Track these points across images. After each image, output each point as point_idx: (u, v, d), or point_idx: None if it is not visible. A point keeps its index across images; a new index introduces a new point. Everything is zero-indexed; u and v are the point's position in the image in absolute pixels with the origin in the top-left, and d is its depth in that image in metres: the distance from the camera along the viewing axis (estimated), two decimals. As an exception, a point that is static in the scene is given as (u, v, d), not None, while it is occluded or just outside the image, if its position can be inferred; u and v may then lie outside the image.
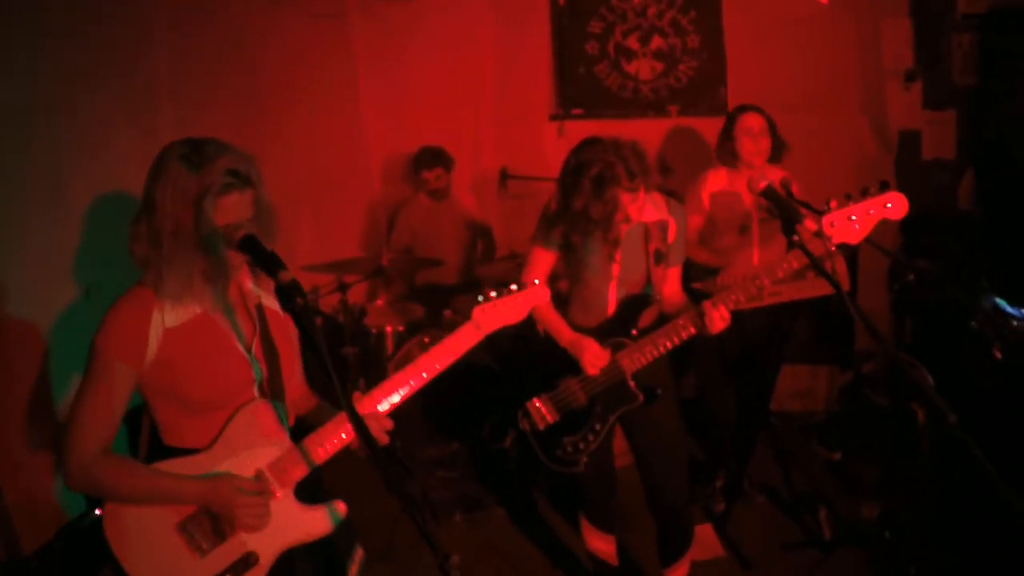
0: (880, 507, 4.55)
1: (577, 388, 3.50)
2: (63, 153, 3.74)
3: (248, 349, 2.42)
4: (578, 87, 6.52)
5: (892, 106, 6.07)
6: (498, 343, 5.60)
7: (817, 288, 4.07)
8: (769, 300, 3.97)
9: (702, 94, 6.39)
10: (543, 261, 3.52)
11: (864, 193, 3.02)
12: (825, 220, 3.02)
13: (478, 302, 2.70)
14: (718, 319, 3.20)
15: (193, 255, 2.23)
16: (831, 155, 5.89)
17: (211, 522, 2.35)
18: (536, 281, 2.82)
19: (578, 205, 3.26)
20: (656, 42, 6.39)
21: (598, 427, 3.52)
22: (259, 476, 2.40)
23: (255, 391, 2.42)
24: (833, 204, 2.98)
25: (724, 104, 6.30)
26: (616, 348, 3.44)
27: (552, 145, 6.53)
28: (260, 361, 2.44)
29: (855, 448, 5.24)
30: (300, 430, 2.51)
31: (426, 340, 5.26)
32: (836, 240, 3.03)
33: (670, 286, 3.57)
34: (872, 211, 2.99)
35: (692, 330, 3.32)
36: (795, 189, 4.58)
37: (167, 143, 2.27)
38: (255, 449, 2.41)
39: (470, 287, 5.90)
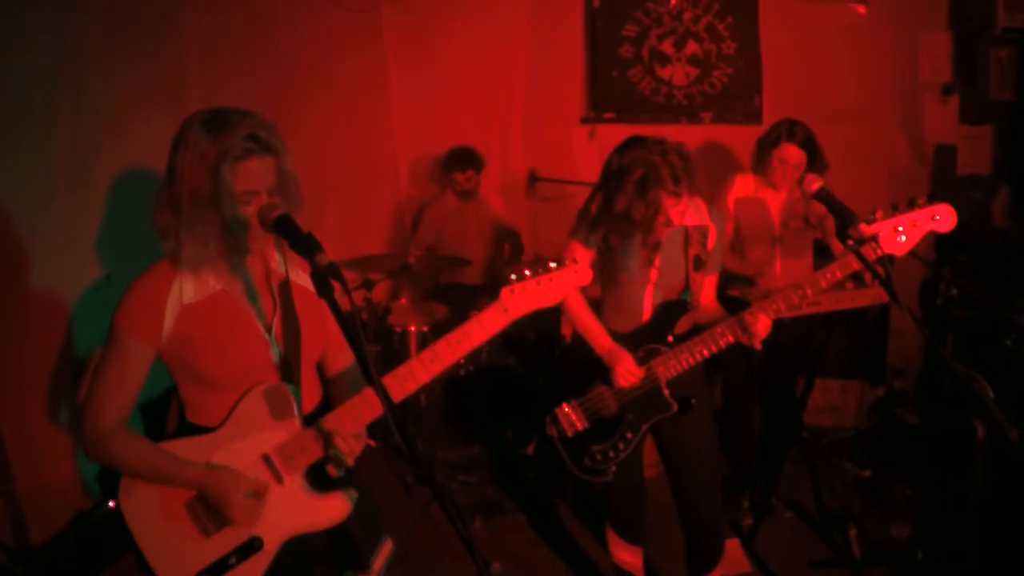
0: (911, 527, 4.44)
1: (608, 395, 3.41)
2: (88, 133, 3.70)
3: (268, 328, 2.37)
4: (610, 91, 6.44)
5: (928, 120, 5.97)
6: (524, 344, 5.57)
7: (856, 299, 3.98)
8: (807, 310, 3.87)
9: (736, 102, 6.29)
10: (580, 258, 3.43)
11: (911, 204, 2.94)
12: (869, 231, 2.95)
13: (509, 281, 2.45)
14: (760, 328, 3.11)
15: (211, 222, 2.20)
16: (865, 168, 5.78)
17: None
18: (576, 260, 2.56)
19: (620, 206, 3.19)
20: (691, 47, 6.30)
21: (629, 436, 3.43)
22: (265, 460, 2.36)
23: (273, 371, 2.38)
24: (879, 214, 2.91)
25: (759, 112, 6.22)
26: (651, 355, 3.36)
27: (582, 148, 6.48)
28: (279, 341, 2.39)
29: (886, 466, 5.11)
30: (325, 410, 2.44)
31: (451, 340, 5.17)
32: (881, 251, 2.95)
33: (706, 294, 3.48)
34: (919, 223, 2.93)
35: (731, 338, 3.23)
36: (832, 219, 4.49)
37: None
38: (264, 432, 2.36)
39: (496, 289, 5.79)
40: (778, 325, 3.23)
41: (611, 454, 3.45)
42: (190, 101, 3.94)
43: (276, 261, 2.43)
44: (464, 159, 5.96)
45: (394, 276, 5.48)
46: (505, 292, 2.43)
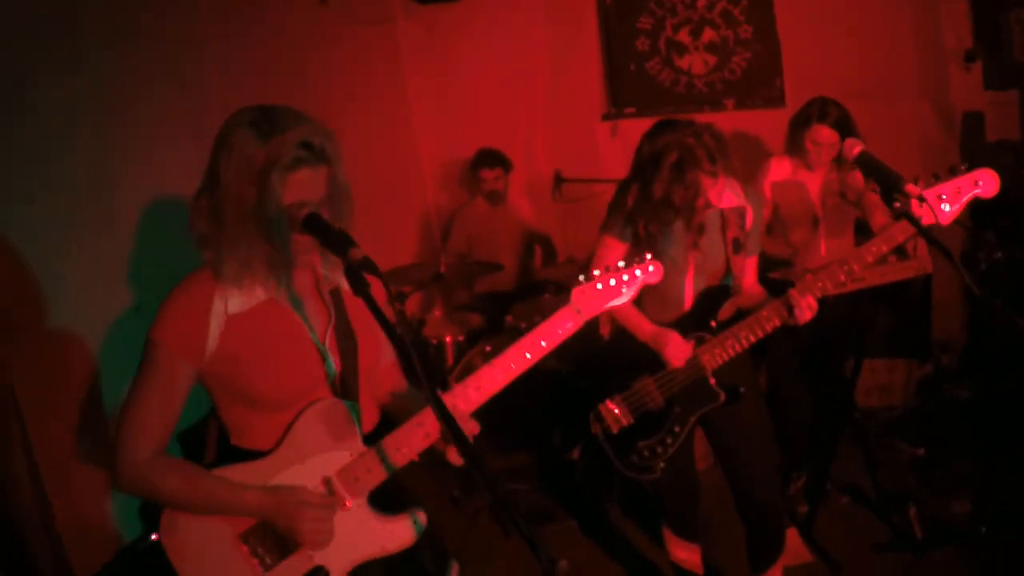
0: (972, 502, 4.34)
1: (653, 388, 3.35)
2: (111, 161, 3.68)
3: (321, 341, 2.21)
4: (630, 85, 6.39)
5: (954, 89, 5.87)
6: (565, 345, 5.49)
7: (900, 271, 3.90)
8: (851, 286, 3.78)
9: (758, 86, 6.21)
10: (614, 252, 3.37)
11: (952, 171, 2.89)
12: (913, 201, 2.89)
13: (578, 282, 2.40)
14: (806, 308, 3.05)
15: (256, 236, 2.02)
16: (895, 141, 5.65)
17: (275, 535, 2.16)
18: (648, 256, 2.55)
19: (658, 192, 3.12)
20: (708, 35, 6.23)
21: (677, 429, 3.37)
22: (327, 484, 2.19)
23: (327, 388, 2.22)
24: (920, 184, 2.84)
25: (781, 95, 6.14)
26: (696, 344, 3.29)
27: (606, 145, 6.45)
28: (334, 354, 2.22)
29: (939, 443, 5.01)
30: (385, 427, 2.31)
31: (487, 349, 5.14)
32: (925, 221, 2.89)
33: (748, 277, 3.41)
34: (962, 189, 2.87)
35: (777, 321, 3.17)
36: (871, 195, 4.40)
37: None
38: (324, 454, 2.19)
39: (530, 292, 5.77)
40: (822, 304, 3.16)
41: (659, 450, 3.38)
42: (213, 124, 3.93)
43: (326, 269, 2.27)
44: (492, 158, 5.94)
45: (426, 287, 5.45)
46: (576, 292, 2.39)
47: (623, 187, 3.34)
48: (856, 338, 4.34)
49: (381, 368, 2.42)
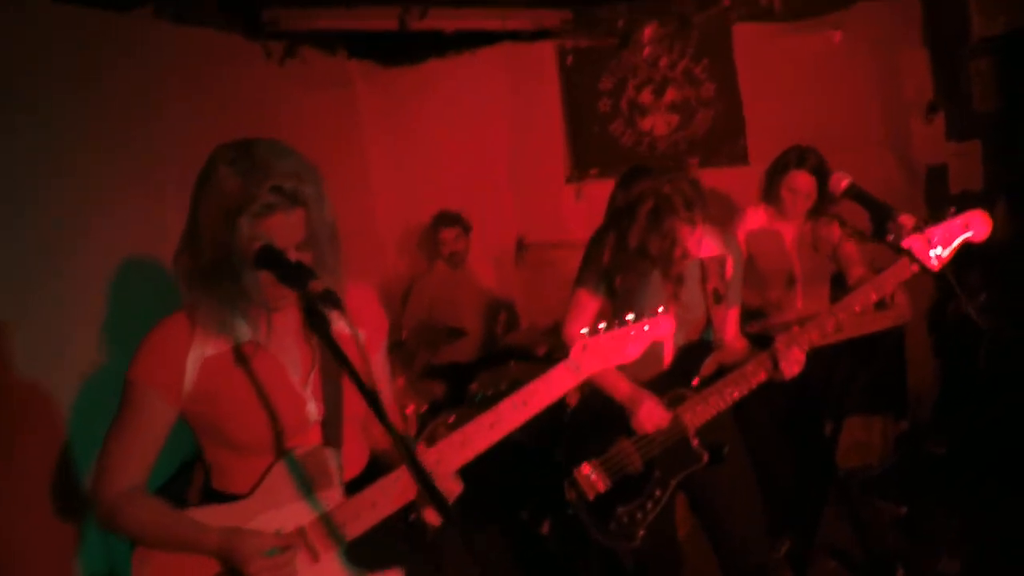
0: (960, 560, 4.19)
1: (632, 450, 3.19)
2: (67, 217, 3.53)
3: (302, 385, 2.15)
4: (593, 147, 6.35)
5: (916, 141, 5.85)
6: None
7: (879, 321, 3.85)
8: (832, 338, 3.68)
9: (722, 144, 6.18)
10: (589, 307, 3.24)
11: (942, 215, 2.83)
12: (904, 244, 2.84)
13: (580, 338, 2.29)
14: (794, 362, 2.93)
15: (234, 274, 1.96)
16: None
17: None
18: (661, 309, 2.43)
19: (634, 242, 3.01)
20: (670, 94, 6.22)
21: (658, 494, 3.20)
22: (301, 534, 2.11)
23: (309, 434, 2.15)
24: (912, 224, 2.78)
25: (745, 153, 6.12)
26: (676, 402, 3.15)
27: (570, 208, 6.40)
28: (317, 399, 2.15)
29: (923, 500, 4.87)
30: (373, 474, 2.22)
31: (450, 420, 4.98)
32: (915, 267, 2.83)
33: (730, 329, 3.29)
34: (952, 233, 2.80)
35: (763, 375, 3.05)
36: (847, 246, 4.35)
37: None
38: (300, 502, 2.12)
39: (494, 360, 5.62)
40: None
41: (639, 516, 3.21)
42: (171, 182, 3.80)
43: None
44: (451, 218, 5.85)
45: (387, 355, 5.27)
46: (576, 348, 2.29)
47: (596, 239, 3.23)
48: (837, 396, 4.22)
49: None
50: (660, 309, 2.41)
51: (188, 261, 2.01)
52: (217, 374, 2.07)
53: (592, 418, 3.30)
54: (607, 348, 2.31)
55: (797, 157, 4.21)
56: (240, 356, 2.09)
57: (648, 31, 6.14)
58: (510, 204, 6.47)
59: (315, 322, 1.80)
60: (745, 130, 6.15)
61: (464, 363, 5.72)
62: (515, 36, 6.17)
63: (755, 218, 4.42)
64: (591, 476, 3.21)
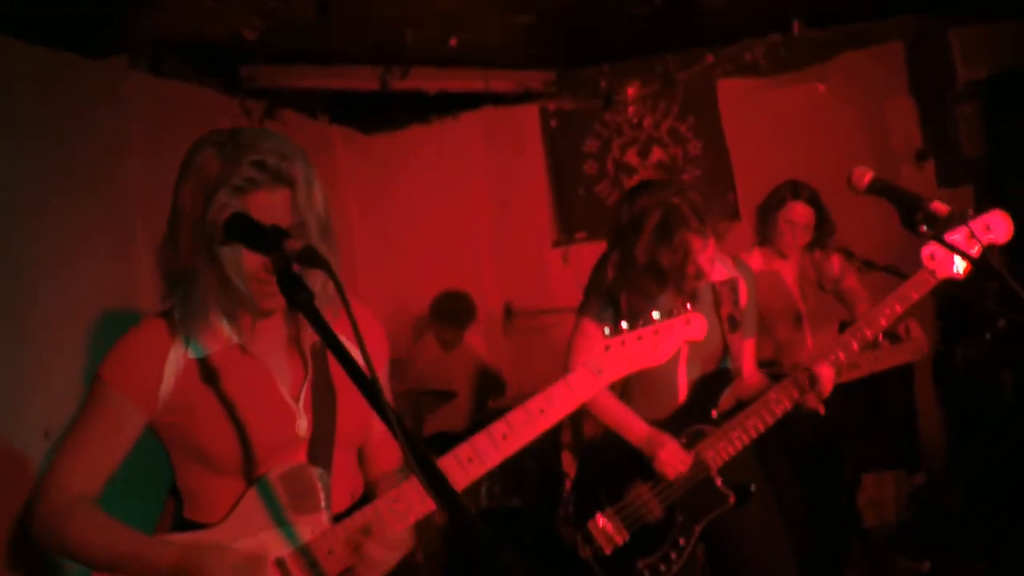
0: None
1: (650, 496, 2.93)
2: (25, 270, 3.35)
3: (292, 397, 1.89)
4: (579, 210, 6.25)
5: (907, 188, 5.79)
6: (529, 481, 5.08)
7: (896, 355, 3.66)
8: (847, 375, 3.49)
9: (710, 201, 6.05)
10: (596, 336, 3.02)
11: (961, 218, 2.67)
12: (924, 252, 2.69)
13: (603, 317, 2.07)
14: (824, 383, 2.73)
15: (210, 269, 1.74)
16: (854, 245, 5.54)
17: None
18: (689, 307, 2.18)
19: (642, 258, 2.79)
20: (656, 154, 6.15)
21: (681, 542, 2.93)
22: (280, 567, 1.81)
23: (296, 452, 1.88)
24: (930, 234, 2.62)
25: (735, 208, 6.03)
26: (695, 439, 2.92)
27: (558, 273, 6.26)
28: (307, 413, 1.89)
29: (943, 554, 4.65)
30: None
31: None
32: (940, 275, 2.69)
33: (747, 362, 3.08)
34: (974, 236, 2.64)
35: (788, 404, 2.84)
36: (849, 279, 4.21)
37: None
38: (279, 529, 1.83)
39: (478, 428, 5.37)
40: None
41: (662, 568, 2.92)
42: (132, 235, 3.64)
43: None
44: (455, 315, 5.62)
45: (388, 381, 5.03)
46: (599, 349, 2.04)
47: (600, 263, 3.03)
48: (854, 429, 4.02)
49: (373, 438, 2.05)
50: (689, 306, 2.18)
51: (169, 256, 1.80)
52: (196, 382, 1.84)
53: (603, 463, 3.06)
54: (632, 350, 2.06)
55: (792, 189, 4.10)
56: (223, 362, 1.86)
57: (631, 91, 6.10)
58: (496, 270, 6.33)
59: (292, 293, 1.52)
60: (735, 185, 6.07)
61: (454, 432, 5.48)
62: (497, 99, 6.12)
63: (751, 262, 4.26)
64: (607, 527, 2.94)
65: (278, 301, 1.79)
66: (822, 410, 2.83)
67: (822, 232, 4.11)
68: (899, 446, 5.20)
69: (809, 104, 5.82)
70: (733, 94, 6.01)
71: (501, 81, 5.89)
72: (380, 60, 5.18)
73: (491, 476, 4.93)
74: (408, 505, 1.84)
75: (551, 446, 5.27)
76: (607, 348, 2.04)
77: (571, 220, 6.28)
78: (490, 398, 5.79)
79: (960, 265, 2.69)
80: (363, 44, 4.88)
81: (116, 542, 1.81)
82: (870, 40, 5.73)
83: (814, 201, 4.07)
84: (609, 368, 2.02)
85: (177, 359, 1.84)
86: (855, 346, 2.82)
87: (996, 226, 2.67)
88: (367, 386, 1.45)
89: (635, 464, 2.93)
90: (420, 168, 6.21)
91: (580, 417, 5.04)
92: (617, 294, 2.87)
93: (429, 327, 5.73)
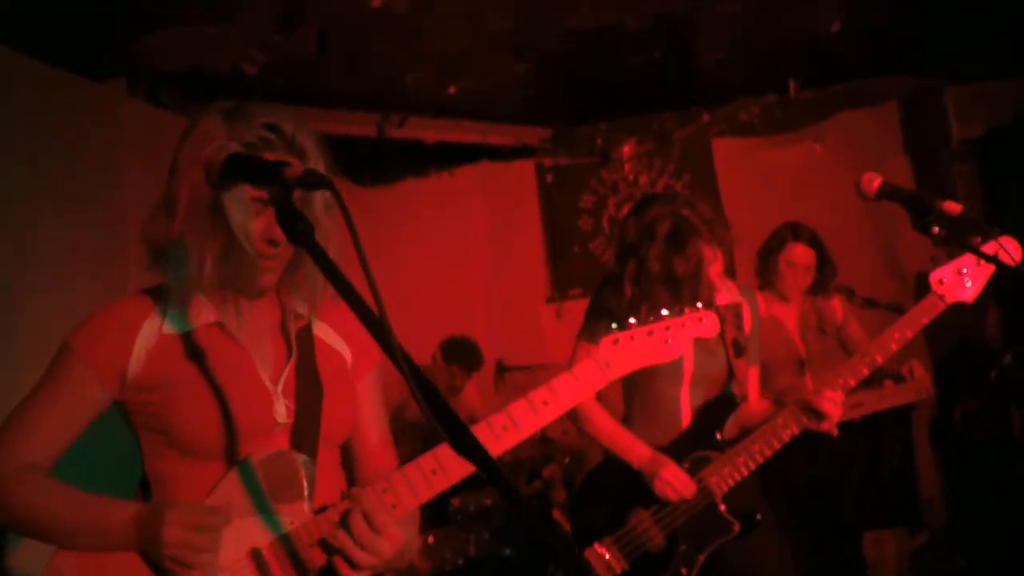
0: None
1: (650, 524, 2.81)
2: (16, 294, 3.23)
3: (274, 381, 1.79)
4: (574, 266, 6.22)
5: (903, 247, 5.78)
6: (517, 529, 4.92)
7: (900, 395, 3.59)
8: (851, 413, 3.41)
9: (718, 215, 6.06)
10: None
11: (968, 244, 2.63)
12: (933, 276, 2.65)
13: (610, 330, 1.96)
14: (830, 406, 2.64)
15: (210, 233, 1.66)
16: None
17: None
18: (700, 305, 2.09)
19: (656, 267, 2.73)
20: (651, 210, 6.12)
21: (684, 572, 2.80)
22: (255, 558, 1.69)
23: (275, 438, 1.76)
24: (940, 258, 2.60)
25: (731, 267, 5.95)
26: (699, 465, 2.81)
27: (551, 329, 6.19)
28: (288, 399, 1.79)
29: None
30: None
31: (430, 540, 4.56)
32: (949, 299, 2.64)
33: (752, 391, 2.99)
34: (982, 261, 2.61)
35: (795, 428, 2.75)
36: (853, 324, 4.16)
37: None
38: (257, 517, 1.71)
39: (475, 483, 5.22)
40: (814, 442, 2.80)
41: (665, 600, 2.81)
42: (128, 255, 3.56)
43: (297, 302, 1.84)
44: (469, 358, 5.50)
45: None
46: (606, 343, 1.94)
47: (605, 282, 2.97)
48: (857, 466, 3.91)
49: (370, 443, 1.95)
50: (700, 305, 2.10)
51: (162, 225, 1.71)
52: (170, 359, 1.74)
53: (602, 488, 2.94)
54: (641, 344, 1.96)
55: (792, 230, 4.07)
56: (202, 339, 1.77)
57: (627, 148, 6.13)
58: (489, 325, 6.25)
59: (290, 220, 1.40)
60: (731, 244, 6.02)
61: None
62: (494, 154, 6.12)
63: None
64: (606, 556, 2.81)
65: (274, 279, 1.76)
66: (835, 432, 2.73)
67: (823, 274, 4.07)
68: (898, 503, 5.06)
69: (805, 163, 5.84)
70: (729, 153, 6.04)
71: (499, 135, 5.91)
72: (378, 105, 5.20)
73: (480, 524, 4.79)
74: (397, 497, 1.72)
75: (542, 503, 5.14)
76: (615, 341, 1.95)
77: (565, 276, 6.25)
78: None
79: (968, 291, 2.65)
80: (362, 86, 4.89)
81: (69, 507, 1.71)
82: (865, 100, 5.79)
83: (814, 242, 4.04)
84: (617, 362, 1.93)
85: (150, 334, 1.76)
86: (865, 371, 2.74)
87: (1006, 250, 2.62)
88: (375, 324, 1.33)
89: (636, 490, 2.82)
90: (415, 221, 6.19)
91: (574, 470, 4.94)
92: (636, 305, 2.77)
93: (438, 369, 5.59)
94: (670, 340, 2.00)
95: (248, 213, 1.66)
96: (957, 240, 2.35)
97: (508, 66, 5.00)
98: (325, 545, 1.69)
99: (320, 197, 1.72)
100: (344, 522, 1.66)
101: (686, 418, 2.92)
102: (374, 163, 5.86)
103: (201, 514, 1.64)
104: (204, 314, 1.78)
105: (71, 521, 1.70)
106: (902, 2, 4.74)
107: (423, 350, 5.69)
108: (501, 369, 6.05)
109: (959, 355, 5.49)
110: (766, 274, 4.15)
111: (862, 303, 4.05)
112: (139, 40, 3.77)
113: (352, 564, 1.65)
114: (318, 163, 1.71)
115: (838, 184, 5.74)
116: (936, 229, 2.30)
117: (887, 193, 2.47)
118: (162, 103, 4.22)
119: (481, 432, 1.80)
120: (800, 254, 4.01)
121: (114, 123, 3.84)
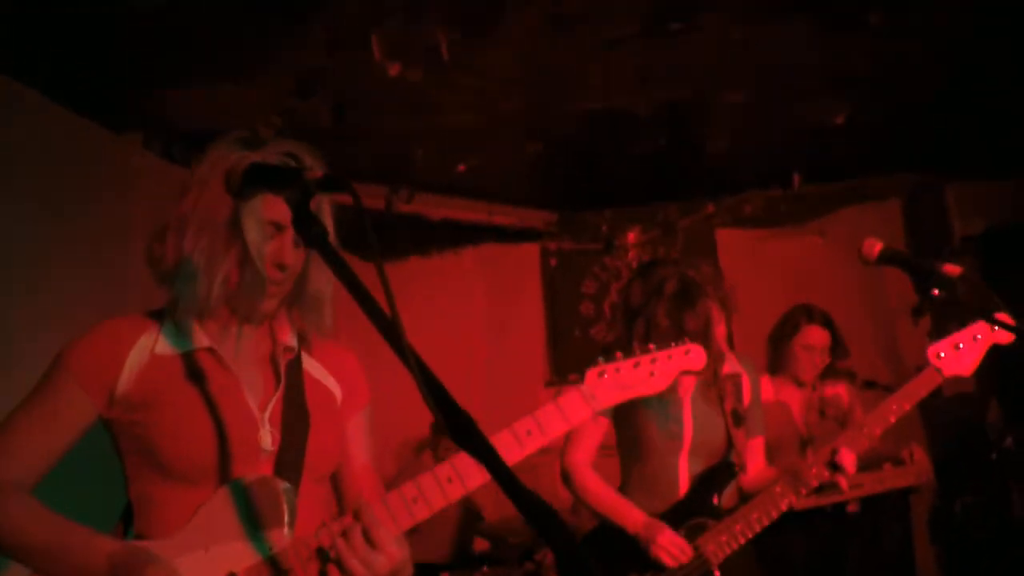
0: None
1: (646, 592, 2.75)
2: (17, 332, 3.21)
3: (261, 409, 1.80)
4: (574, 351, 6.20)
5: (904, 344, 5.78)
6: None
7: (898, 478, 3.54)
8: (850, 494, 3.35)
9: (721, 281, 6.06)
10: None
11: (964, 321, 2.69)
12: (931, 351, 2.67)
13: (595, 363, 1.94)
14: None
15: (223, 253, 1.72)
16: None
17: None
18: (687, 340, 2.07)
19: (665, 321, 2.73)
20: (653, 298, 6.15)
21: (678, 639, 2.73)
22: None
23: (259, 466, 1.76)
24: (934, 338, 2.66)
25: (730, 338, 5.97)
26: (696, 532, 2.76)
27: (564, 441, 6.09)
28: (274, 428, 1.80)
29: None
30: None
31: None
32: (947, 372, 2.66)
33: (754, 461, 2.96)
34: (979, 336, 2.66)
35: (792, 498, 2.71)
36: (859, 410, 4.13)
37: None
38: (236, 543, 1.68)
39: (466, 564, 5.15)
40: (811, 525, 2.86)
41: (658, 672, 2.71)
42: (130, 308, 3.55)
43: (288, 336, 1.89)
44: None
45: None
46: (591, 375, 1.93)
47: (610, 347, 2.96)
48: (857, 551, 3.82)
49: (353, 468, 1.96)
50: (687, 340, 2.08)
51: (169, 246, 1.76)
52: (160, 378, 1.77)
53: (595, 555, 2.88)
54: (627, 376, 1.95)
55: (806, 313, 4.06)
56: (192, 363, 1.80)
57: (632, 236, 6.18)
58: (487, 406, 6.16)
59: (305, 224, 1.42)
60: (731, 336, 6.02)
61: (429, 564, 5.21)
62: (499, 235, 6.16)
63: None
64: (597, 627, 2.74)
65: (274, 305, 1.82)
66: (845, 487, 2.70)
67: (836, 355, 4.05)
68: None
69: (806, 256, 5.89)
70: (732, 243, 6.09)
71: (504, 215, 5.96)
72: (387, 178, 5.26)
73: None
74: (394, 513, 1.71)
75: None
76: (601, 373, 1.94)
77: (565, 361, 6.23)
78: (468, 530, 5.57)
79: (964, 365, 2.67)
80: (373, 158, 4.96)
81: (50, 533, 1.70)
82: (868, 196, 5.87)
83: (828, 324, 4.04)
84: (603, 394, 1.93)
85: (142, 353, 1.79)
86: (864, 442, 2.72)
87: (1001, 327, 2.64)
88: (387, 326, 1.36)
89: (630, 557, 2.76)
90: (417, 300, 6.16)
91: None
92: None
93: (430, 443, 5.53)
94: (655, 372, 1.99)
95: (263, 235, 1.74)
96: (954, 301, 2.36)
97: (518, 146, 5.09)
98: (321, 554, 1.65)
99: (329, 213, 1.80)
100: (344, 534, 1.63)
101: (684, 487, 2.88)
102: (380, 239, 5.88)
103: None
104: (198, 338, 1.81)
105: (51, 546, 1.69)
106: (905, 99, 4.84)
107: (420, 426, 5.65)
108: (495, 454, 5.97)
109: (960, 448, 5.44)
110: (779, 359, 4.12)
111: (862, 385, 4.02)
112: (157, 96, 3.85)
113: None
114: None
115: (840, 277, 5.82)
116: (937, 291, 2.32)
117: (888, 257, 2.49)
118: (176, 159, 4.27)
119: (462, 458, 1.76)
120: (816, 336, 4.01)
121: (128, 175, 3.89)
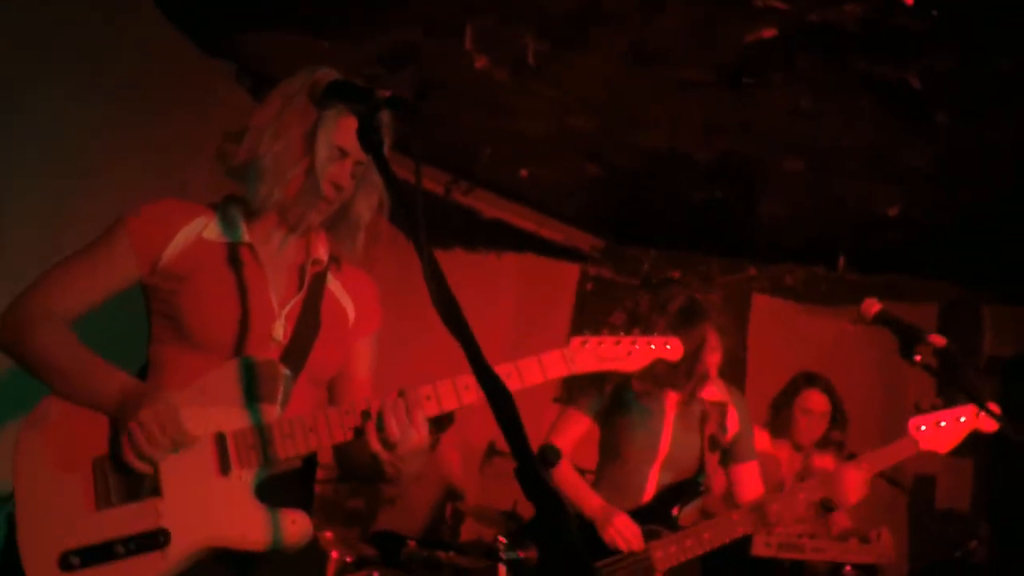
0: None
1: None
2: (79, 222, 3.38)
3: (281, 305, 2.03)
4: (587, 376, 6.25)
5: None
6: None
7: (861, 554, 3.59)
8: (812, 556, 3.45)
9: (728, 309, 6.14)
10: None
11: (952, 401, 2.78)
12: (913, 422, 2.78)
13: (581, 333, 2.16)
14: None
15: (295, 157, 1.95)
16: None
17: (130, 476, 1.85)
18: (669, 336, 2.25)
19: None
20: (674, 343, 6.25)
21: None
22: (219, 442, 1.87)
23: (267, 350, 1.98)
24: (924, 406, 2.74)
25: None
26: (649, 536, 2.89)
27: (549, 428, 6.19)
28: (288, 324, 2.02)
29: None
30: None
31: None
32: (923, 446, 2.76)
33: (748, 487, 3.10)
34: (964, 418, 2.77)
35: (748, 528, 2.83)
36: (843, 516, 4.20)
37: None
38: (231, 408, 1.90)
39: (430, 545, 5.26)
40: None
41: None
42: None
43: (322, 253, 2.11)
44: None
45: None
46: (575, 342, 2.16)
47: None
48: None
49: (353, 378, 2.17)
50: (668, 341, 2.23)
51: (247, 146, 1.99)
52: (200, 258, 2.00)
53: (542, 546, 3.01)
54: (606, 350, 2.16)
55: (807, 378, 4.16)
56: (232, 252, 2.03)
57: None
58: (487, 408, 6.30)
59: (368, 132, 1.66)
60: (744, 392, 6.11)
61: (402, 536, 5.33)
62: (543, 247, 6.30)
63: (758, 438, 4.27)
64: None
65: (318, 220, 2.05)
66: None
67: (835, 422, 4.14)
68: None
69: (836, 340, 5.93)
70: (767, 310, 6.18)
71: (553, 231, 6.11)
72: (451, 167, 5.44)
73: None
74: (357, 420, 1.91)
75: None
76: (584, 343, 2.15)
77: (575, 383, 6.30)
78: (450, 523, 5.67)
79: (943, 443, 2.76)
80: (441, 145, 5.15)
81: (74, 358, 1.92)
82: (907, 296, 5.89)
83: (829, 390, 4.13)
84: (582, 360, 2.14)
85: (192, 233, 2.01)
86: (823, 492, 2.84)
87: (987, 417, 2.73)
88: (413, 209, 1.66)
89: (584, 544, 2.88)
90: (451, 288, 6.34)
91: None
92: (608, 385, 2.93)
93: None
94: (632, 353, 2.19)
95: (331, 156, 1.97)
96: (931, 369, 2.46)
97: (579, 166, 5.25)
98: (364, 415, 1.88)
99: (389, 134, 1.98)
100: (389, 405, 1.86)
101: (648, 492, 3.01)
102: (432, 223, 6.07)
103: (176, 421, 1.83)
104: (244, 233, 2.03)
105: (74, 371, 1.91)
106: (960, 208, 4.93)
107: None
108: (492, 451, 6.08)
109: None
110: (779, 421, 4.23)
111: (846, 457, 4.10)
112: (258, 34, 4.07)
113: (384, 440, 1.84)
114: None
115: (864, 366, 5.87)
116: (919, 357, 2.43)
117: (882, 319, 2.62)
118: (259, 99, 4.46)
119: (445, 385, 1.99)
120: (816, 401, 4.11)
121: (210, 99, 4.07)
